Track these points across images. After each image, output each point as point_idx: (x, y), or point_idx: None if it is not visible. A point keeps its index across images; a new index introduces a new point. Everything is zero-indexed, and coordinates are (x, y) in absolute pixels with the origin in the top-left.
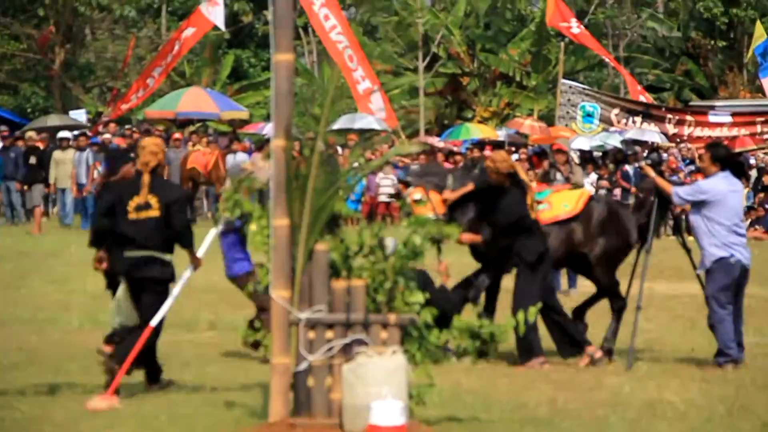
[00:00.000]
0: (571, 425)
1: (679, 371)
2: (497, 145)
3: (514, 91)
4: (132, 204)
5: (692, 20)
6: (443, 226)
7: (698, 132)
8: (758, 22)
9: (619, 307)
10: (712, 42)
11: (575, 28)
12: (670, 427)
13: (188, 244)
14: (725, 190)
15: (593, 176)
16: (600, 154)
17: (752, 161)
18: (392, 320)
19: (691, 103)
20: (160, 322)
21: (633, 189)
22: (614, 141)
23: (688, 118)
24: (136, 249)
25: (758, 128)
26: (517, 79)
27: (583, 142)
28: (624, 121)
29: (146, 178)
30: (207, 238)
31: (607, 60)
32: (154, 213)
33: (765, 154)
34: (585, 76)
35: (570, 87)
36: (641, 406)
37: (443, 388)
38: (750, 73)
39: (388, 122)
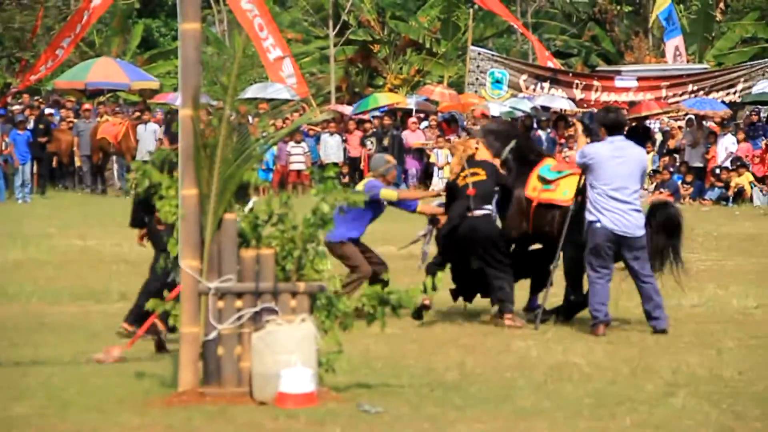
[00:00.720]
0: (479, 389)
1: (584, 334)
2: (407, 113)
3: (424, 58)
4: None
5: None
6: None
7: (605, 97)
8: None
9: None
10: (618, 7)
11: None
12: (575, 389)
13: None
14: (606, 155)
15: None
16: (510, 120)
17: (657, 125)
18: (301, 288)
19: (598, 69)
20: None
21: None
22: (524, 107)
23: (595, 83)
24: None
25: (663, 92)
26: (427, 46)
27: (493, 109)
28: (532, 87)
29: None
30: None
31: (515, 26)
32: None
33: (669, 118)
34: (494, 43)
35: (479, 54)
36: (548, 369)
37: (352, 354)
38: (655, 38)
39: (299, 91)
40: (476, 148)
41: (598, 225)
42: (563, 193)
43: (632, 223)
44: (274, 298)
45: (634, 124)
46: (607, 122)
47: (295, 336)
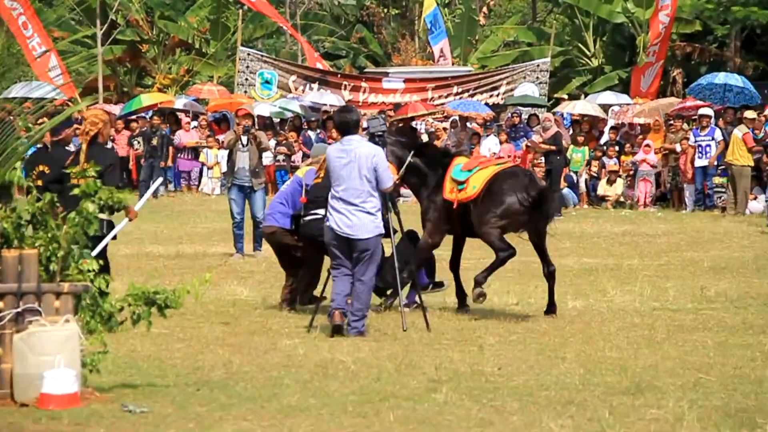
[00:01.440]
0: (245, 387)
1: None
2: (173, 113)
3: (194, 58)
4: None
5: None
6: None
7: (373, 98)
8: None
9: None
10: (385, 10)
11: None
12: (341, 386)
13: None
14: (333, 156)
15: (272, 142)
16: (278, 120)
17: (423, 126)
18: (65, 289)
19: (366, 70)
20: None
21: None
22: (294, 107)
23: (363, 84)
24: None
25: (429, 94)
26: (197, 46)
27: (263, 109)
28: (302, 87)
29: (84, 148)
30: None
31: (284, 28)
32: None
33: (435, 119)
34: (263, 44)
35: (248, 54)
36: (314, 367)
37: (118, 354)
38: (421, 40)
39: (66, 90)
40: None
41: (327, 224)
42: (473, 188)
43: (356, 225)
44: (37, 298)
45: (401, 125)
46: (337, 123)
47: (58, 337)
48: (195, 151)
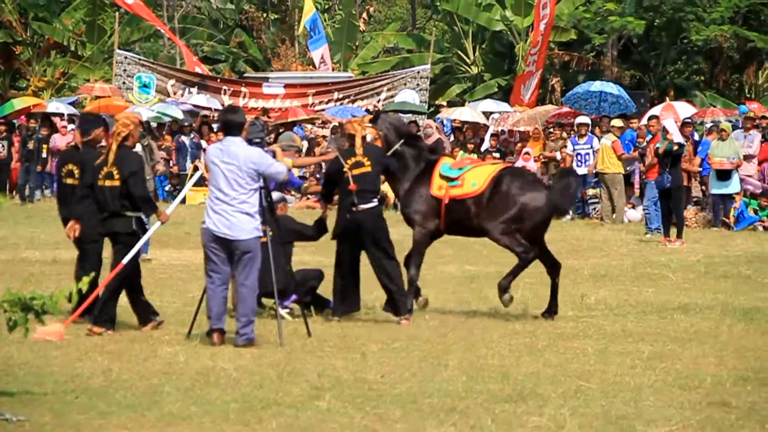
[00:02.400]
0: (125, 395)
1: (231, 339)
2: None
3: (70, 60)
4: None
5: None
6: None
7: (253, 103)
8: None
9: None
10: (265, 15)
11: None
12: (223, 394)
13: (148, 212)
14: (213, 156)
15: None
16: (155, 125)
17: (302, 132)
18: None
19: (246, 75)
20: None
21: (197, 161)
22: (173, 112)
23: (243, 89)
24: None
25: (310, 100)
26: (72, 48)
27: (141, 113)
28: (180, 92)
29: (114, 148)
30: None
31: (162, 31)
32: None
33: (313, 125)
34: (141, 47)
35: (126, 57)
36: (195, 374)
37: None
38: (301, 45)
39: None
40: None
41: (204, 226)
42: (472, 185)
43: (235, 226)
44: None
45: (281, 130)
46: (221, 123)
47: None
48: None
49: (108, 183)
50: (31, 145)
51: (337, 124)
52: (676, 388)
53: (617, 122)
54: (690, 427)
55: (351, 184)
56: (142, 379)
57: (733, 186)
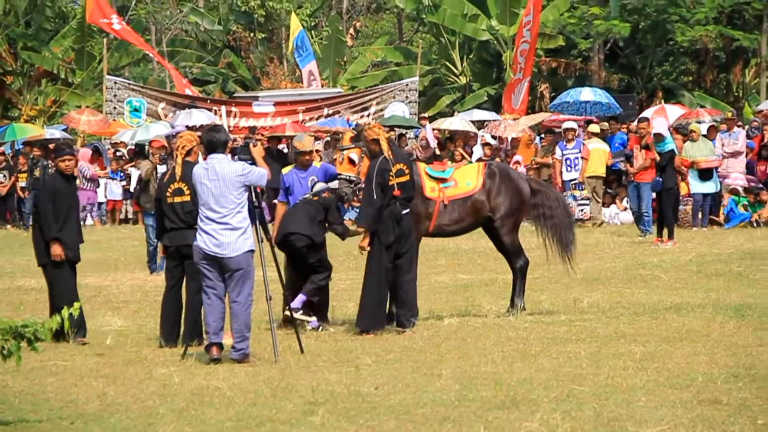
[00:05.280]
0: (119, 418)
1: (225, 357)
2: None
3: (60, 88)
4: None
5: (232, 13)
6: None
7: (244, 122)
8: (293, 14)
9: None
10: (252, 34)
11: (116, 24)
12: (217, 413)
13: None
14: (199, 175)
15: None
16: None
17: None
18: None
19: (236, 95)
20: None
21: None
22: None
23: (234, 109)
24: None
25: (300, 116)
26: (62, 76)
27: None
28: (171, 114)
29: (180, 161)
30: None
31: (151, 55)
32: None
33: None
34: (130, 72)
35: (116, 83)
36: (189, 395)
37: None
38: (290, 63)
39: None
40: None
41: (195, 244)
42: (467, 185)
43: (224, 244)
44: None
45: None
46: (204, 142)
47: None
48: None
49: (178, 200)
50: (37, 173)
51: (329, 138)
52: (667, 388)
53: (594, 128)
54: (681, 426)
55: (395, 190)
56: (137, 401)
57: (715, 185)
